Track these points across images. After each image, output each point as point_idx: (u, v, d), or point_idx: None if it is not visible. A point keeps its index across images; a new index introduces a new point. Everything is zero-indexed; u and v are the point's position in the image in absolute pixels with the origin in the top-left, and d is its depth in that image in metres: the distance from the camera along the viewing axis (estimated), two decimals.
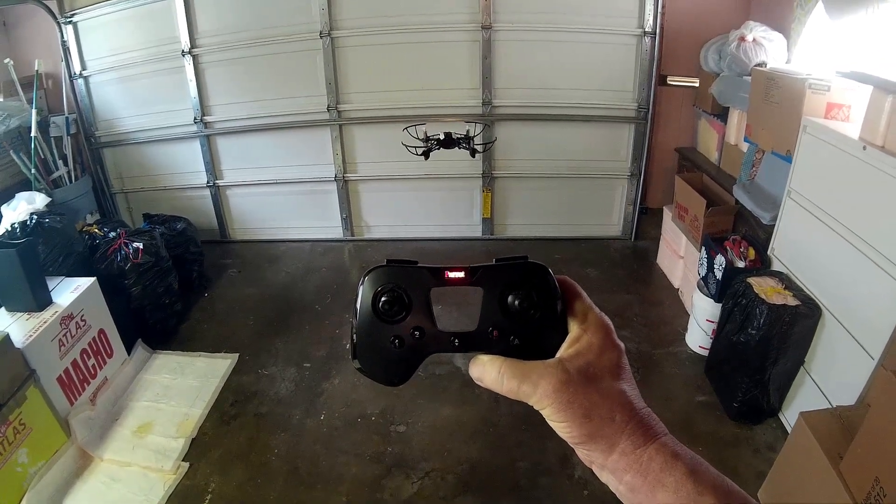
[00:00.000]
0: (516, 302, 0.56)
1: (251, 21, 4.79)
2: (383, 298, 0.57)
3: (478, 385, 0.59)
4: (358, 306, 0.57)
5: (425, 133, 3.80)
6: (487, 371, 0.57)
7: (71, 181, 4.99)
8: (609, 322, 0.59)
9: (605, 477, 0.56)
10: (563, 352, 0.57)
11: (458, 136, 3.78)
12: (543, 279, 0.58)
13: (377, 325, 0.57)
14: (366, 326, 0.57)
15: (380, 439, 3.19)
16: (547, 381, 0.54)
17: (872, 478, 1.99)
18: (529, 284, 0.57)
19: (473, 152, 3.84)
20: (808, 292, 3.01)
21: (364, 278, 0.58)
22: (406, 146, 3.78)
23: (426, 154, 3.83)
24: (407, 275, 0.58)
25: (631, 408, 0.55)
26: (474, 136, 3.81)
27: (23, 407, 2.77)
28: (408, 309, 0.57)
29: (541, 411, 0.56)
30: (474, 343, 0.58)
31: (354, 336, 0.58)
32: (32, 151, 4.58)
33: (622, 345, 0.58)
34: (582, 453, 0.56)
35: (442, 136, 3.76)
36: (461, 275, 0.57)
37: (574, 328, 0.58)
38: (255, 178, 5.42)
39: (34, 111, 4.56)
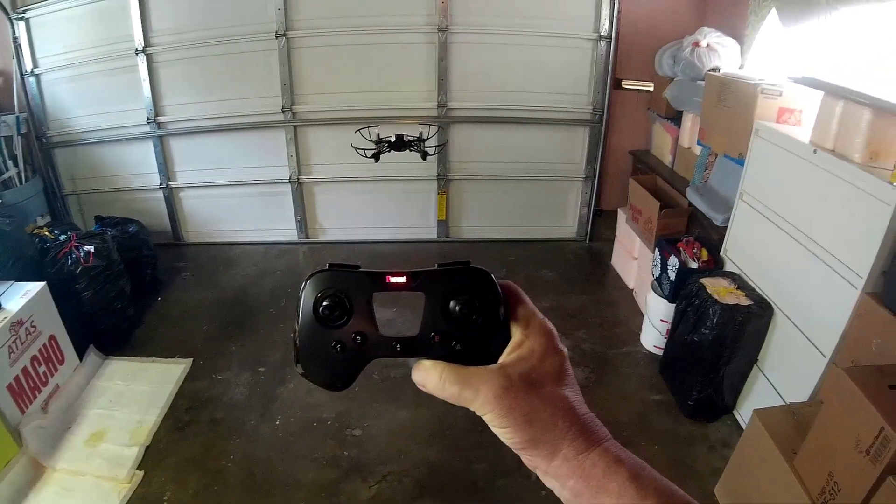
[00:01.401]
0: (458, 307, 0.56)
1: (206, 20, 4.71)
2: (325, 303, 0.56)
3: None
4: (300, 311, 0.57)
5: (377, 135, 3.78)
6: (429, 376, 0.57)
7: (21, 182, 4.85)
8: (552, 327, 0.59)
9: (549, 482, 0.56)
10: (505, 357, 0.57)
11: (410, 138, 3.77)
12: (485, 284, 0.58)
13: (319, 330, 0.57)
14: (308, 331, 0.57)
15: (336, 444, 3.17)
16: (488, 386, 0.54)
17: (826, 473, 2.05)
18: (471, 290, 0.57)
19: (424, 155, 3.83)
20: (760, 292, 3.08)
21: (305, 283, 0.57)
22: (355, 148, 3.76)
23: (376, 156, 3.82)
24: (348, 279, 0.57)
25: (573, 413, 0.55)
26: (427, 138, 3.80)
27: None
28: (349, 314, 0.57)
29: (482, 417, 0.56)
30: (416, 348, 0.58)
31: (297, 341, 0.58)
32: None
33: (565, 350, 0.58)
34: (525, 459, 0.56)
35: (393, 139, 3.75)
36: (402, 280, 0.57)
37: (517, 333, 0.58)
38: (209, 179, 5.34)
39: None
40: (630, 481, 0.52)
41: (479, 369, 0.56)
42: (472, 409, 0.56)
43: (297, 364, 0.59)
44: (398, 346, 0.58)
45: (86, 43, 4.84)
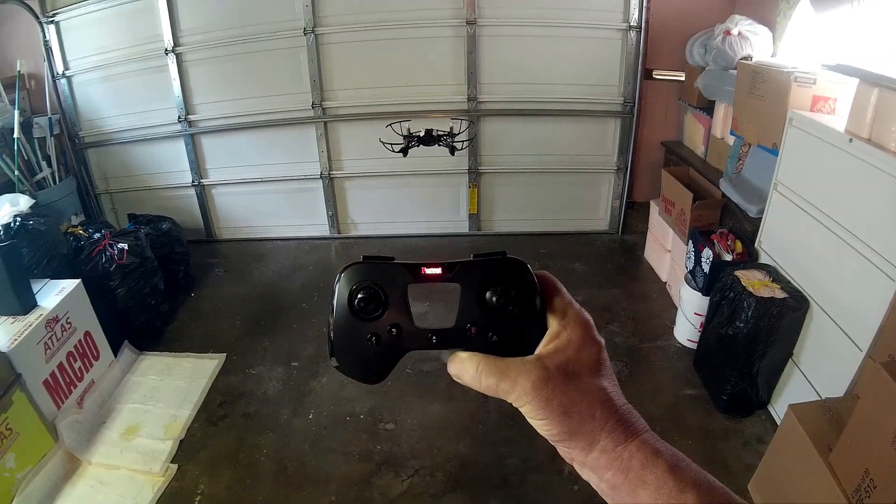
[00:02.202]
0: (494, 298, 0.56)
1: (235, 18, 4.75)
2: (359, 296, 0.56)
3: None
4: (334, 304, 0.57)
5: (408, 129, 3.77)
6: (465, 368, 0.56)
7: (55, 182, 4.94)
8: (589, 318, 0.58)
9: (586, 474, 0.56)
10: (542, 348, 0.56)
11: (440, 132, 3.76)
12: (521, 275, 0.57)
13: (354, 323, 0.57)
14: (342, 324, 0.57)
15: (368, 438, 3.18)
16: (525, 377, 0.54)
17: (862, 470, 2.00)
18: (507, 280, 0.56)
19: (453, 150, 3.82)
20: (795, 285, 3.02)
21: (340, 275, 0.57)
22: (383, 143, 3.76)
23: (404, 151, 3.81)
24: (383, 271, 0.57)
25: (611, 404, 0.54)
26: (458, 132, 3.79)
27: (9, 412, 2.73)
28: (384, 306, 0.57)
29: (520, 409, 0.55)
30: (452, 340, 0.57)
31: (331, 334, 0.58)
32: (15, 153, 4.53)
33: (602, 340, 0.57)
34: (563, 451, 0.56)
35: (422, 133, 3.74)
36: (438, 271, 0.56)
37: (553, 324, 0.57)
38: (241, 176, 5.38)
39: (17, 112, 4.50)
40: (668, 473, 0.51)
41: (516, 361, 0.55)
42: (509, 400, 0.55)
43: (331, 357, 0.58)
44: (434, 338, 0.57)
45: (116, 44, 4.90)
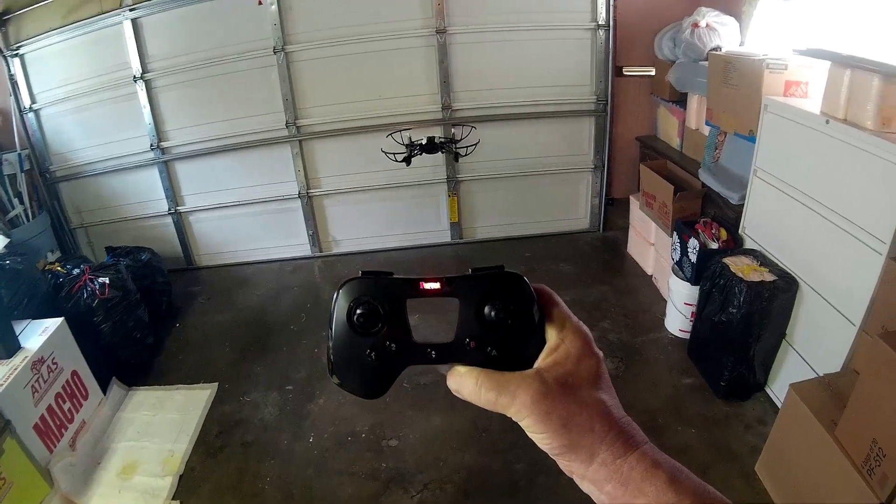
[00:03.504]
0: (493, 312, 0.56)
1: (202, 41, 4.70)
2: (358, 311, 0.56)
3: None
4: (333, 319, 0.57)
5: (409, 138, 3.76)
6: (465, 383, 0.57)
7: (28, 220, 4.84)
8: (587, 330, 0.59)
9: (586, 487, 0.56)
10: (541, 362, 0.57)
11: (442, 139, 3.76)
12: (519, 288, 0.57)
13: (353, 339, 0.57)
14: (342, 340, 0.57)
15: (373, 456, 3.14)
16: (525, 391, 0.54)
17: (870, 440, 2.05)
18: (506, 294, 0.57)
19: (457, 156, 3.82)
20: (783, 267, 3.07)
21: (338, 291, 0.57)
22: (386, 153, 3.74)
23: (407, 160, 3.81)
24: (382, 286, 0.57)
25: (610, 417, 0.55)
26: (460, 139, 3.78)
27: (1, 460, 2.65)
28: (383, 321, 0.57)
29: (520, 423, 0.55)
30: (451, 354, 0.57)
31: (331, 352, 0.57)
32: None
33: (600, 353, 0.58)
34: (562, 464, 0.56)
35: (425, 141, 3.73)
36: (437, 286, 0.57)
37: (552, 337, 0.57)
38: (217, 201, 5.32)
39: None
40: (668, 485, 0.51)
41: (515, 375, 0.55)
42: (508, 414, 0.55)
43: (331, 374, 0.58)
44: (433, 352, 0.57)
45: (83, 74, 4.84)
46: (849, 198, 2.59)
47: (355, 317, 0.56)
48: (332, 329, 0.57)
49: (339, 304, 0.56)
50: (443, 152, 3.76)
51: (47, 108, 5.00)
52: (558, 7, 4.71)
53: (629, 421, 0.56)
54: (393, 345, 0.57)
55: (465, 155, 3.99)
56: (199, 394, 3.73)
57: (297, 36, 4.70)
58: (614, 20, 4.71)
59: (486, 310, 0.56)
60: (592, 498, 0.56)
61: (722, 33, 4.01)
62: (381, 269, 0.58)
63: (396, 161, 3.78)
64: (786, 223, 3.07)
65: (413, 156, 3.78)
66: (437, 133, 4.72)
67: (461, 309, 0.57)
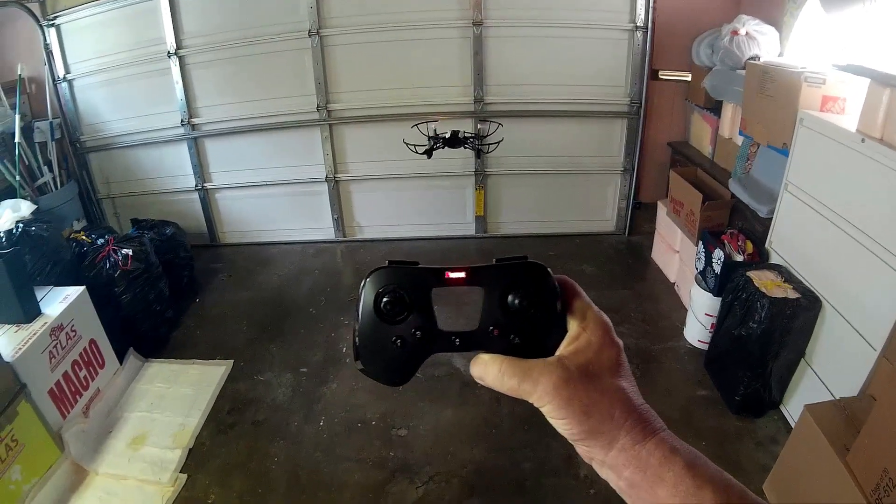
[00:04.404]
0: (516, 301, 0.57)
1: (238, 20, 4.73)
2: (385, 299, 0.57)
3: (478, 386, 0.60)
4: (360, 307, 0.58)
5: (434, 130, 3.75)
6: (488, 370, 0.58)
7: (56, 187, 4.90)
8: (608, 320, 0.60)
9: (604, 473, 0.57)
10: (562, 350, 0.58)
11: (466, 134, 3.74)
12: (543, 278, 0.59)
13: (379, 326, 0.58)
14: (368, 327, 0.58)
15: (381, 444, 3.15)
16: (547, 378, 0.55)
17: (881, 469, 2.01)
18: (529, 284, 0.58)
19: (479, 153, 3.81)
20: (807, 285, 3.02)
21: (366, 280, 0.58)
22: (407, 144, 3.73)
23: (428, 153, 3.80)
24: (408, 276, 0.59)
25: (630, 404, 0.56)
26: (488, 134, 3.76)
27: (14, 423, 2.69)
28: (409, 309, 0.58)
29: (541, 409, 0.57)
30: (475, 342, 0.59)
31: (357, 338, 0.59)
32: (16, 158, 4.49)
33: (620, 342, 0.59)
34: (582, 450, 0.57)
35: (448, 135, 3.72)
36: (462, 275, 0.58)
37: (573, 326, 0.59)
38: (244, 180, 5.36)
39: (17, 116, 4.47)
40: (686, 470, 0.52)
41: (537, 362, 0.57)
42: (530, 401, 0.57)
43: (356, 360, 0.59)
44: (457, 340, 0.59)
45: (117, 47, 4.88)
46: (880, 219, 2.54)
47: (382, 305, 0.57)
48: (358, 316, 0.58)
49: (367, 292, 0.58)
50: (466, 147, 3.73)
51: (81, 79, 5.05)
52: (597, 6, 4.68)
53: (648, 408, 0.57)
54: (418, 332, 0.58)
55: (488, 152, 3.98)
56: (214, 370, 3.76)
57: (332, 20, 4.70)
58: (653, 22, 4.67)
59: (510, 298, 0.57)
60: (611, 484, 0.57)
61: (761, 42, 3.94)
62: (406, 259, 0.59)
63: (417, 153, 3.76)
64: (813, 240, 3.02)
65: (435, 148, 3.77)
66: (468, 126, 4.71)
67: (485, 298, 0.58)
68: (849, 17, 3.16)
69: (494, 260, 0.59)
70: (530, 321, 0.58)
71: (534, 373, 0.56)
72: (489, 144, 3.87)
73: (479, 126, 3.73)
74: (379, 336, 0.58)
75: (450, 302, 0.58)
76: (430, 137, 3.76)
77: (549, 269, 0.59)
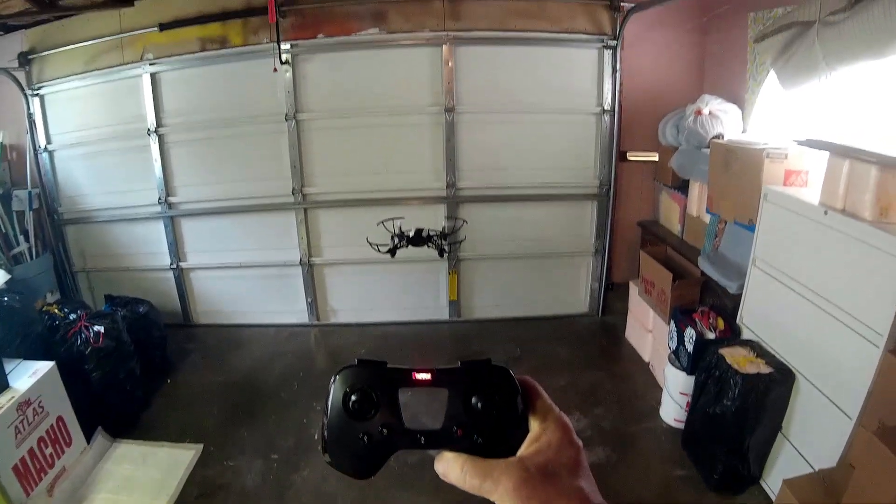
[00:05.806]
0: (479, 403, 0.60)
1: (218, 102, 4.83)
2: (353, 397, 0.60)
3: None
4: (329, 403, 0.60)
5: (399, 228, 3.80)
6: (451, 468, 0.60)
7: (32, 258, 4.89)
8: (568, 421, 0.62)
9: None
10: (523, 450, 0.60)
11: (430, 232, 3.79)
12: (505, 380, 0.61)
13: (347, 422, 0.60)
14: (336, 423, 0.60)
15: None
16: (507, 478, 0.57)
17: None
18: (492, 386, 0.60)
19: (441, 251, 3.85)
20: (780, 359, 3.04)
21: (335, 377, 0.61)
22: (370, 244, 3.78)
23: (392, 252, 3.84)
24: (376, 375, 0.61)
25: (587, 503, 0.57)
26: (454, 231, 3.81)
27: None
28: (376, 407, 0.60)
29: None
30: (439, 440, 0.61)
31: (325, 432, 0.60)
32: None
33: (580, 443, 0.61)
34: None
35: (412, 233, 3.78)
36: (427, 377, 0.61)
37: (535, 426, 0.61)
38: (219, 261, 5.35)
39: None
40: None
41: (499, 462, 0.58)
42: (491, 499, 0.58)
43: (324, 453, 0.61)
44: (422, 438, 0.60)
45: (99, 121, 4.96)
46: (846, 289, 2.59)
47: (350, 402, 0.59)
48: (327, 410, 0.60)
49: (336, 389, 0.60)
50: (429, 246, 3.79)
51: (62, 151, 5.11)
52: (565, 91, 4.82)
53: None
54: (385, 430, 0.60)
55: (450, 252, 4.02)
56: (184, 453, 3.66)
57: (309, 104, 4.82)
58: (619, 105, 4.83)
59: (473, 400, 0.60)
60: None
61: (724, 121, 4.08)
62: (376, 359, 0.61)
63: (381, 253, 3.81)
64: (783, 314, 3.06)
65: (399, 247, 3.82)
66: (441, 212, 4.82)
67: (450, 399, 0.60)
68: (806, 92, 3.28)
69: (459, 362, 0.61)
70: (492, 422, 0.60)
71: (495, 473, 0.57)
72: (451, 244, 3.94)
73: (443, 224, 3.80)
74: (346, 431, 0.60)
75: (418, 396, 0.60)
76: (393, 236, 3.81)
77: (511, 372, 0.61)
